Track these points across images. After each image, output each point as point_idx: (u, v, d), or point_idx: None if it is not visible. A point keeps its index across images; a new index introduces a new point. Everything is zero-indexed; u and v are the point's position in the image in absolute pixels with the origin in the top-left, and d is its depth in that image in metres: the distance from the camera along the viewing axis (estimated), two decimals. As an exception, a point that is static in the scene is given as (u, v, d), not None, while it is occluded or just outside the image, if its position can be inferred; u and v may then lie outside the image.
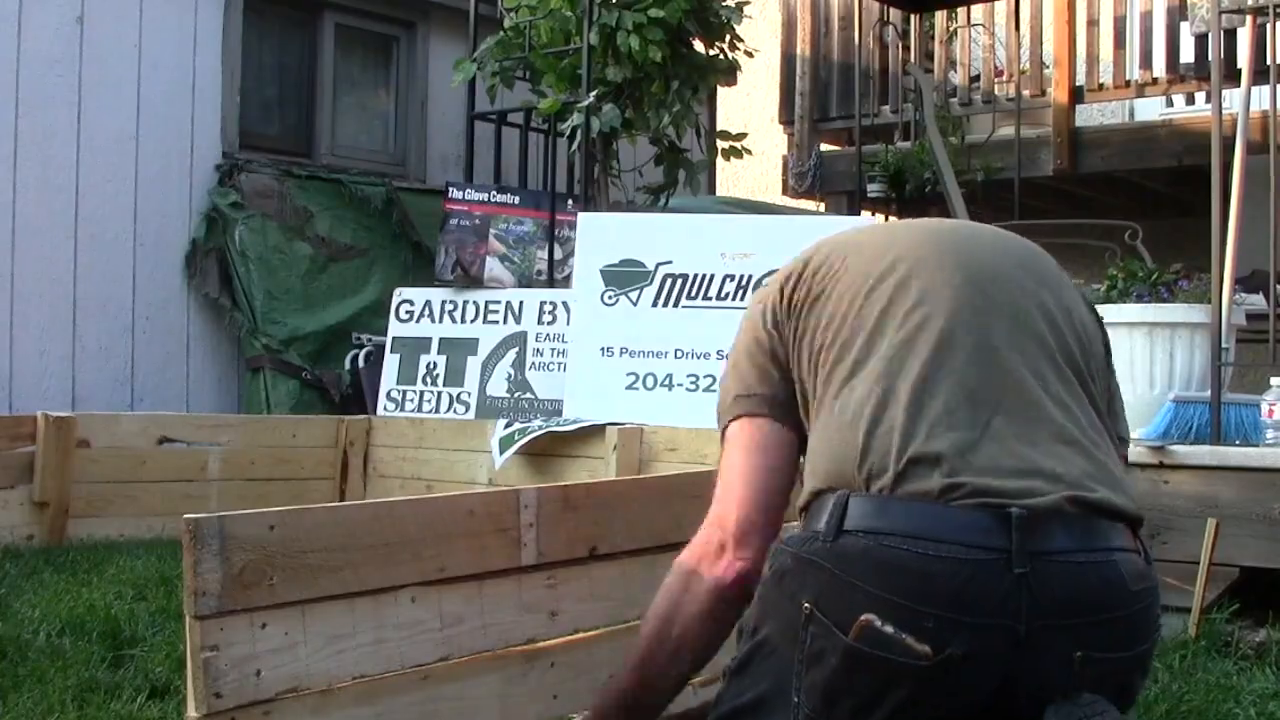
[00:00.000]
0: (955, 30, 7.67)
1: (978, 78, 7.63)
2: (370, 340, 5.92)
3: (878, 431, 1.53)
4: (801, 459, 1.71)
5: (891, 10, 7.39)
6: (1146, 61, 6.94)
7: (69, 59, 5.76)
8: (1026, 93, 7.13)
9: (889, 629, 1.41)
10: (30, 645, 3.12)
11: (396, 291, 5.59)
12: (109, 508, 4.75)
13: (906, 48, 7.75)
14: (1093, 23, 7.09)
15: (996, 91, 7.43)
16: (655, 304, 4.72)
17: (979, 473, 1.47)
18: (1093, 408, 1.64)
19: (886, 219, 7.89)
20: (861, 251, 1.74)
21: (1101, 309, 4.07)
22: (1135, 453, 3.64)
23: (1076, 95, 7.08)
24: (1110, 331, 4.31)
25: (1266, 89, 4.05)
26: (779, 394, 1.74)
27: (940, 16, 7.63)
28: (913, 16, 7.63)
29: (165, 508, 4.59)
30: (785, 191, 8.32)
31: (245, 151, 6.34)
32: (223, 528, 1.82)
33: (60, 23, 5.74)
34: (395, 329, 5.49)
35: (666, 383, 4.63)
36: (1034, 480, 1.48)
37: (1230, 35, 5.25)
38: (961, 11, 7.52)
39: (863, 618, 1.42)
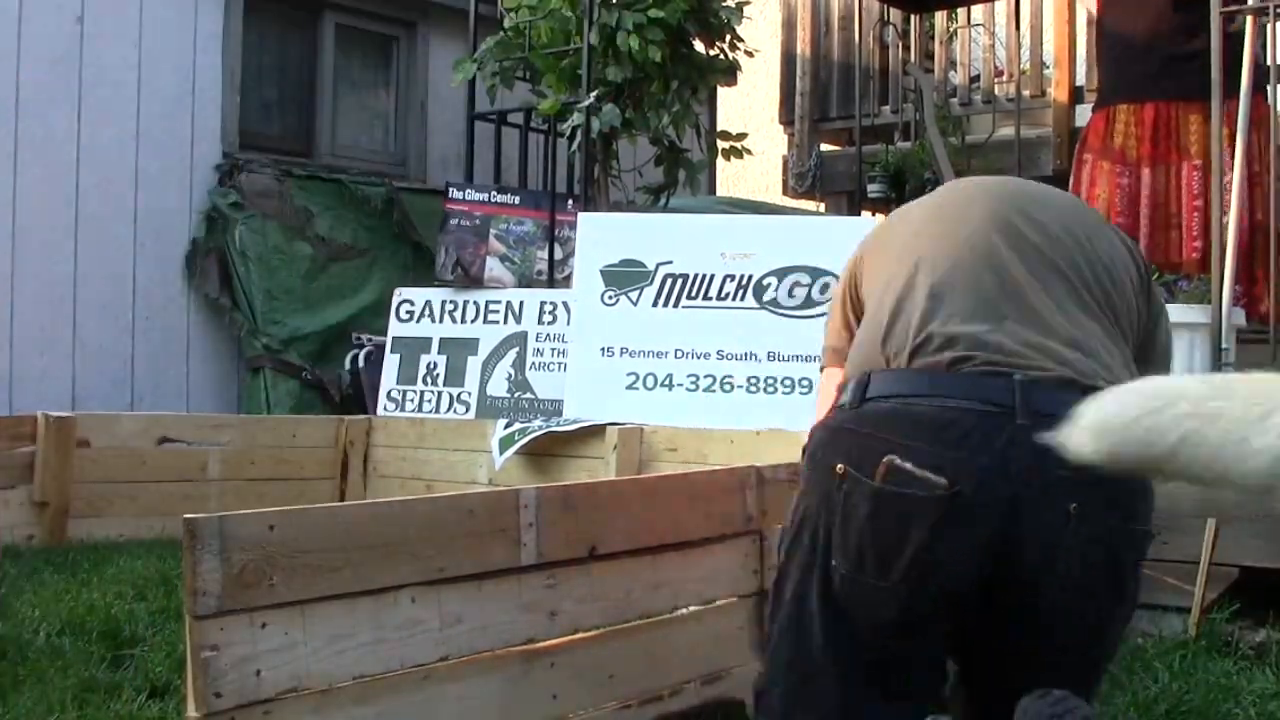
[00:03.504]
0: (955, 30, 7.67)
1: (978, 78, 7.62)
2: (370, 340, 5.91)
3: (898, 322, 1.72)
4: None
5: (891, 10, 7.39)
6: (1147, 61, 6.92)
7: (69, 59, 5.77)
8: (1026, 93, 7.12)
9: (909, 465, 1.57)
10: (30, 645, 3.12)
11: (396, 291, 5.59)
12: (109, 508, 4.75)
13: (906, 48, 7.74)
14: (1093, 22, 7.08)
15: (996, 91, 7.42)
16: (655, 304, 4.72)
17: (988, 350, 1.65)
18: (1114, 329, 1.78)
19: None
20: (908, 211, 2.07)
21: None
22: (1135, 453, 3.63)
23: (1076, 95, 7.07)
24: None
25: (1267, 89, 4.06)
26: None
27: (940, 16, 7.63)
28: (913, 16, 7.63)
29: (165, 508, 4.59)
30: (785, 191, 8.31)
31: (245, 151, 6.34)
32: (223, 528, 1.82)
33: (60, 23, 5.74)
34: (395, 329, 5.49)
35: (666, 383, 4.63)
36: (1039, 358, 1.64)
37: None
38: (962, 11, 7.51)
39: (885, 459, 1.58)
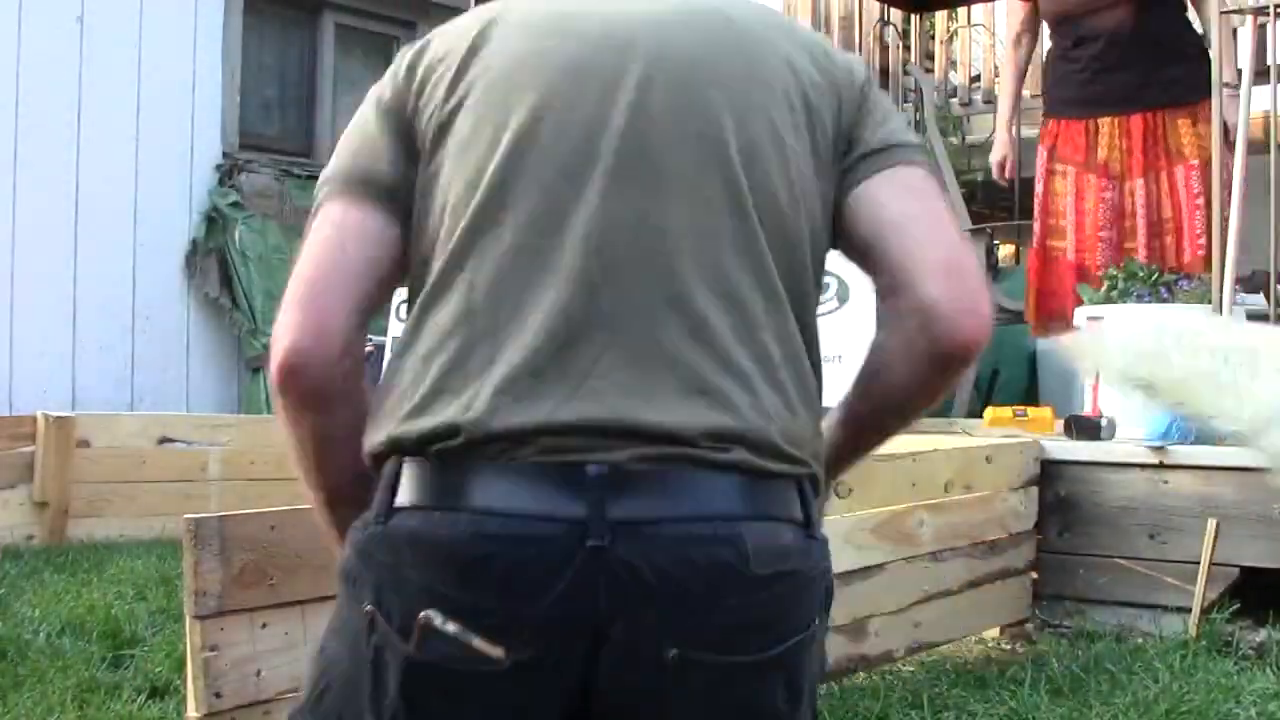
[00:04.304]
0: (955, 30, 7.67)
1: (978, 78, 7.62)
2: (370, 340, 5.91)
3: (445, 377, 1.15)
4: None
5: (892, 10, 7.38)
6: (1147, 61, 6.92)
7: (69, 59, 5.77)
8: (1027, 92, 7.12)
9: (452, 628, 1.12)
10: (30, 645, 3.12)
11: (396, 291, 5.58)
12: (109, 508, 4.75)
13: (907, 48, 7.74)
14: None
15: (997, 91, 7.42)
16: (655, 304, 4.70)
17: (561, 429, 1.11)
18: (778, 312, 1.19)
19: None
20: (501, 75, 1.22)
21: (1102, 309, 4.09)
22: (1136, 453, 3.63)
23: (1076, 95, 7.07)
24: (1110, 331, 4.25)
25: (1267, 89, 4.05)
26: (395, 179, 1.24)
27: (941, 16, 7.63)
28: (913, 16, 7.62)
29: (165, 508, 4.59)
30: (785, 191, 8.30)
31: (245, 151, 6.34)
32: (223, 528, 1.82)
33: (60, 23, 5.74)
34: (395, 329, 5.48)
35: (666, 383, 4.62)
36: (635, 438, 1.11)
37: (1230, 35, 5.24)
38: (962, 11, 7.51)
39: (421, 616, 1.12)
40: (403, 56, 1.28)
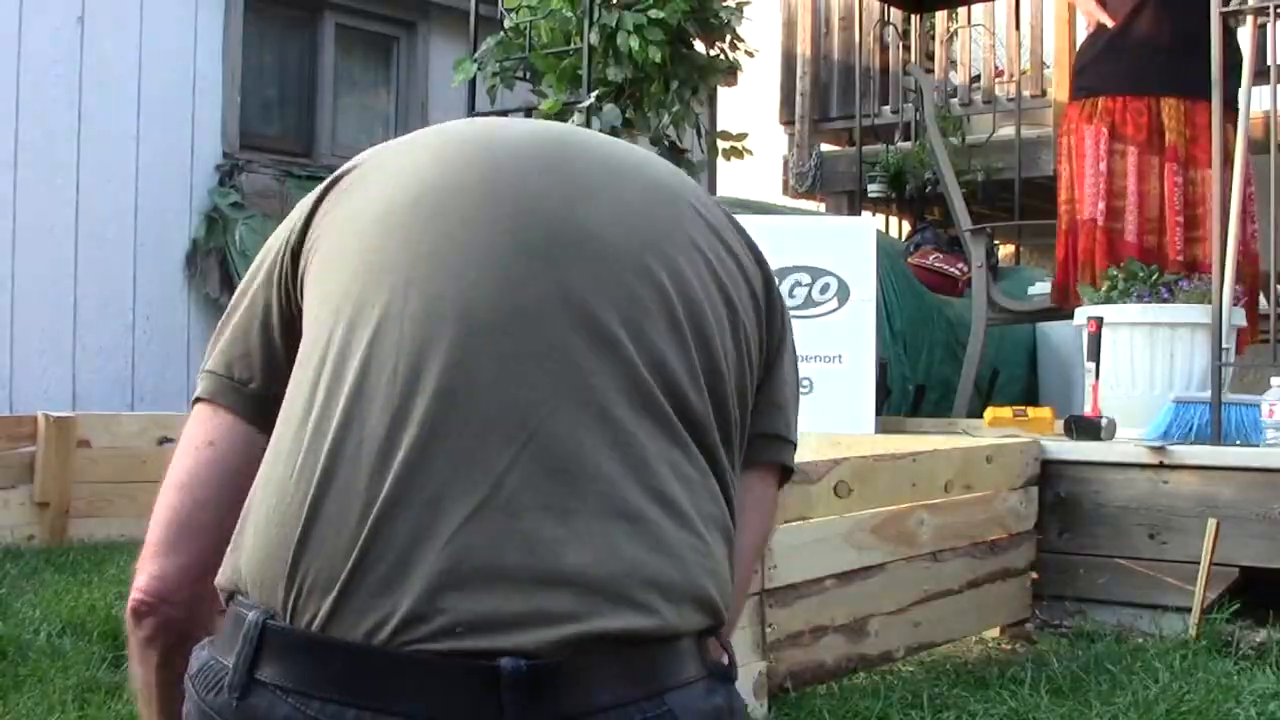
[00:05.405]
0: (955, 30, 7.67)
1: (978, 78, 7.63)
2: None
3: (323, 511, 0.99)
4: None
5: (892, 10, 7.39)
6: (1147, 61, 6.91)
7: (69, 59, 5.77)
8: (1027, 93, 7.13)
9: None
10: (30, 645, 3.12)
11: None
12: (109, 508, 4.75)
13: (907, 48, 7.75)
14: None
15: (997, 91, 7.42)
16: (655, 304, 4.70)
17: (463, 583, 0.96)
18: (699, 450, 1.07)
19: (887, 219, 7.88)
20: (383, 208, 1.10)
21: (1101, 309, 4.09)
22: (1136, 453, 3.63)
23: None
24: (1110, 331, 4.29)
25: (1267, 89, 4.05)
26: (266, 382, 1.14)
27: (940, 16, 7.63)
28: (913, 16, 7.63)
29: (165, 508, 4.59)
30: (785, 191, 8.31)
31: (245, 151, 6.34)
32: (223, 528, 1.82)
33: (60, 23, 5.74)
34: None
35: (666, 383, 4.62)
36: (550, 594, 0.97)
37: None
38: (962, 11, 7.51)
39: None
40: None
